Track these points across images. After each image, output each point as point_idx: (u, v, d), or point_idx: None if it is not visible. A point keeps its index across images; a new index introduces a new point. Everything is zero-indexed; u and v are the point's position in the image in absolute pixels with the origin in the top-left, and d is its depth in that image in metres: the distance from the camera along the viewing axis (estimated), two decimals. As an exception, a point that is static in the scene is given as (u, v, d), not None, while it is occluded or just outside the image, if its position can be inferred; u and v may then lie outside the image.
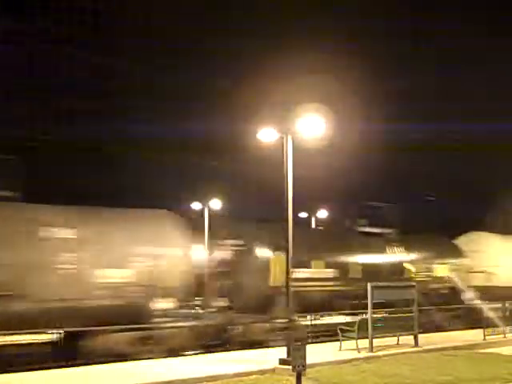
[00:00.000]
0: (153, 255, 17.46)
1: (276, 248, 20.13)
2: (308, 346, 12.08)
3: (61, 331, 15.96)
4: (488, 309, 22.23)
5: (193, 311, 20.25)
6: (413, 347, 18.27)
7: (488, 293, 25.45)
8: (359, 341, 17.37)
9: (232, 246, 21.24)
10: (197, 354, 17.29)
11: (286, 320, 15.60)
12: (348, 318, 21.39)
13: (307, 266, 21.85)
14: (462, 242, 29.07)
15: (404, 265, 25.64)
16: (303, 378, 11.69)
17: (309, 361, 11.83)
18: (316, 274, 22.27)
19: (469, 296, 26.49)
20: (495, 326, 21.33)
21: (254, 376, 13.85)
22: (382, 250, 25.34)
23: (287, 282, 15.30)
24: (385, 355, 16.90)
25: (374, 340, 17.37)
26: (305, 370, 11.59)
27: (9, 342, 15.60)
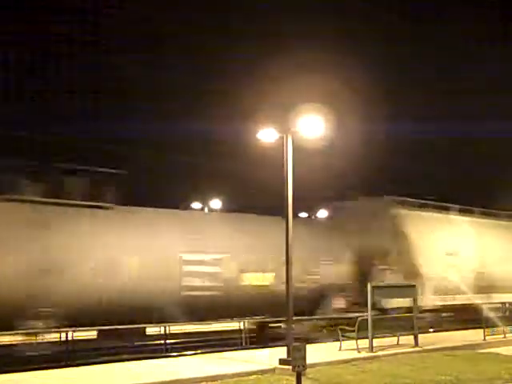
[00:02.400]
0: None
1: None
2: (308, 346, 12.07)
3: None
4: (488, 309, 22.22)
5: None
6: (413, 347, 18.26)
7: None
8: (359, 341, 17.36)
9: None
10: (197, 353, 17.27)
11: None
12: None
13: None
14: None
15: None
16: (303, 378, 11.69)
17: (309, 361, 11.82)
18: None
19: None
20: (495, 325, 21.33)
21: (254, 376, 13.82)
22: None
23: (287, 282, 15.28)
24: (385, 355, 16.89)
25: (374, 340, 17.37)
26: (305, 369, 11.59)
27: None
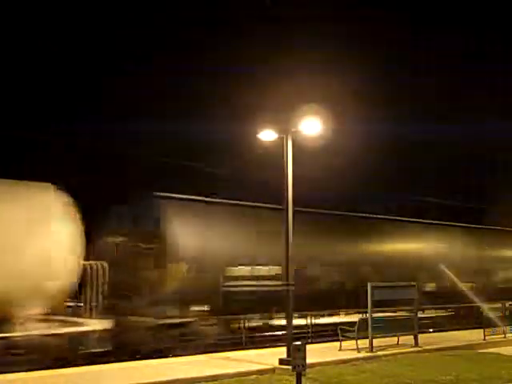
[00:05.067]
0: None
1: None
2: (308, 346, 12.08)
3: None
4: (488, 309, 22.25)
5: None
6: (413, 347, 18.28)
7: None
8: (359, 341, 17.37)
9: None
10: (197, 353, 17.26)
11: None
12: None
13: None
14: None
15: None
16: (303, 378, 11.69)
17: (309, 361, 11.82)
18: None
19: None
20: (495, 325, 21.35)
21: (254, 376, 13.83)
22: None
23: (287, 282, 15.29)
24: (385, 355, 16.90)
25: (374, 340, 17.38)
26: (305, 370, 11.58)
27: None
